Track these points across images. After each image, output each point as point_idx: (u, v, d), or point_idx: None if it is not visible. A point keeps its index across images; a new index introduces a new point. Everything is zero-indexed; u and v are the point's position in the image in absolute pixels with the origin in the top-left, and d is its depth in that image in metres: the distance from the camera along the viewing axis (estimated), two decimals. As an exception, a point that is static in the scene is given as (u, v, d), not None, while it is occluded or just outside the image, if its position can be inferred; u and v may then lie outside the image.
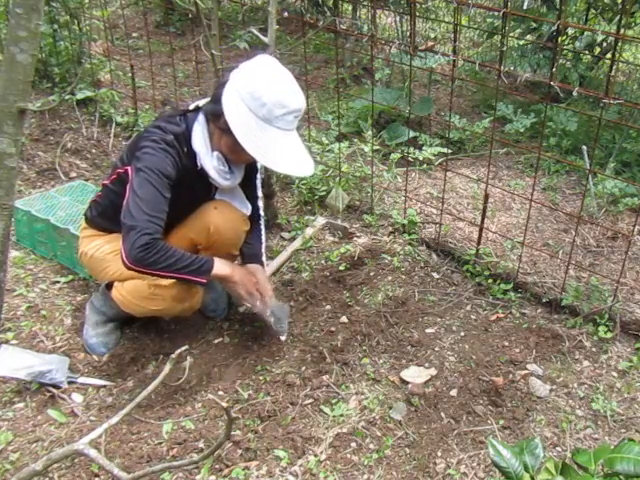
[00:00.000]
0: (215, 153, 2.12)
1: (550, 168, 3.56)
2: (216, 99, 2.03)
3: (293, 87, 2.00)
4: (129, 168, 2.08)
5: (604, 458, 1.22)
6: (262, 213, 2.51)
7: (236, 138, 1.97)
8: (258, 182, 2.46)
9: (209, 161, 2.12)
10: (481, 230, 2.75)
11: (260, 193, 2.49)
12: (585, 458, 1.24)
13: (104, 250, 2.26)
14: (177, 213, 2.20)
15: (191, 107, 2.15)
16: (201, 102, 2.16)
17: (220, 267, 2.11)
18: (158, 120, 2.15)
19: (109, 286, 2.30)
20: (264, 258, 2.46)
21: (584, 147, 3.12)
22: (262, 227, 2.49)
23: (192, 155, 2.11)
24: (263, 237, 2.48)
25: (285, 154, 2.02)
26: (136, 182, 2.00)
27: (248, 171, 2.33)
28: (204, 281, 2.10)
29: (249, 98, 1.95)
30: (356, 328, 2.40)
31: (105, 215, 2.28)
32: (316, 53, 5.29)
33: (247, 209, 2.37)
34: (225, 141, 2.08)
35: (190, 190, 2.19)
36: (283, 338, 2.35)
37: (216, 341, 2.39)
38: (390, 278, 2.69)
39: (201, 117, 2.11)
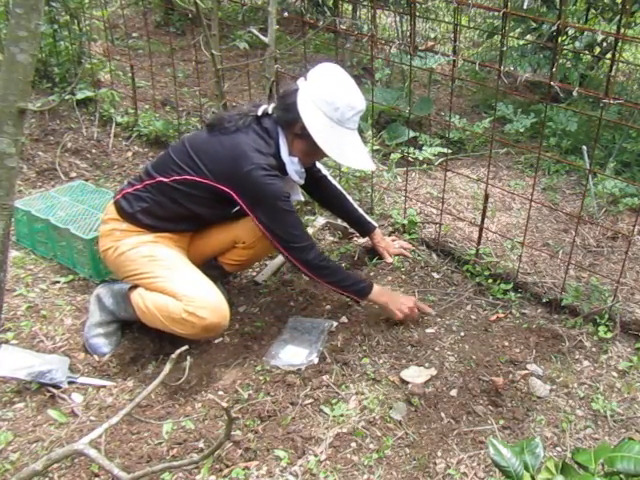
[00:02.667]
0: (295, 159, 2.28)
1: (550, 168, 3.56)
2: (287, 107, 2.19)
3: (357, 90, 2.21)
4: (225, 188, 2.16)
5: (604, 457, 1.21)
6: (327, 173, 2.67)
7: (312, 142, 2.16)
8: None
9: (291, 166, 2.28)
10: (481, 230, 2.75)
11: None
12: (585, 457, 1.24)
13: (140, 252, 2.21)
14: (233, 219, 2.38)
15: (259, 113, 2.25)
16: (268, 108, 2.27)
17: (377, 295, 2.36)
18: (244, 137, 2.18)
19: (130, 288, 2.27)
20: (368, 217, 2.76)
21: (584, 147, 3.12)
22: (336, 183, 2.70)
23: (282, 165, 2.25)
24: (348, 196, 2.72)
25: (354, 151, 2.24)
26: (277, 212, 2.17)
27: None
28: (360, 301, 2.42)
29: (324, 104, 2.14)
30: (356, 328, 2.40)
31: (151, 212, 2.25)
32: (316, 53, 5.29)
33: (299, 195, 2.51)
34: (300, 146, 2.25)
35: None
36: (314, 360, 2.26)
37: (216, 341, 2.39)
38: (390, 278, 2.69)
39: (279, 128, 2.24)
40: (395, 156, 3.29)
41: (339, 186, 2.71)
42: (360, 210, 2.75)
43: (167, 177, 2.22)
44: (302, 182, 2.38)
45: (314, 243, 2.28)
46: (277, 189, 2.16)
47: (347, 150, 2.22)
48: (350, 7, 5.24)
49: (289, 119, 2.19)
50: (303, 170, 2.34)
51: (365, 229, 2.78)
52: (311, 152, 2.25)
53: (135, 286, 2.25)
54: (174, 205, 2.24)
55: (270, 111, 2.27)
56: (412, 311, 2.38)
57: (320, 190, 2.68)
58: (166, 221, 2.28)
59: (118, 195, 2.32)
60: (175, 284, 2.14)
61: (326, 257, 2.33)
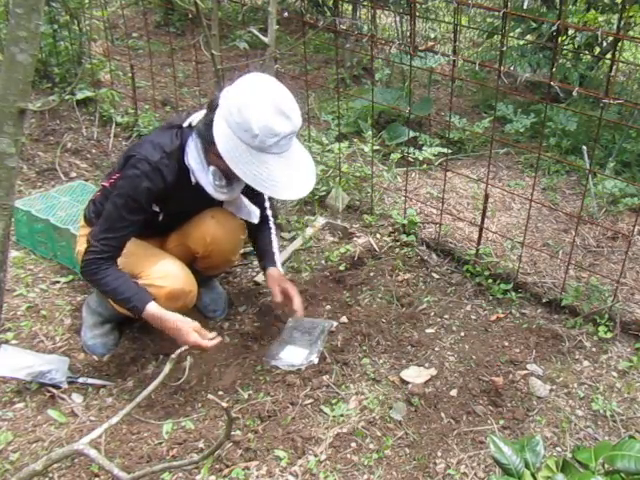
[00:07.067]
0: (211, 168, 2.08)
1: (550, 168, 3.56)
2: (207, 124, 1.98)
3: (284, 108, 1.88)
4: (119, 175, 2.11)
5: (605, 455, 1.21)
6: (269, 214, 2.45)
7: None
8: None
9: (204, 177, 2.10)
10: (481, 230, 2.75)
11: (267, 202, 2.44)
12: (586, 455, 1.24)
13: None
14: (179, 223, 2.31)
15: (185, 124, 2.10)
16: (195, 119, 2.11)
17: (150, 315, 2.04)
18: (155, 133, 2.17)
19: None
20: (276, 253, 2.42)
21: (584, 147, 3.12)
22: (271, 225, 2.44)
23: (186, 170, 2.08)
24: (273, 235, 2.44)
25: (284, 177, 1.96)
26: (110, 201, 2.06)
27: None
28: (134, 317, 2.11)
29: (239, 130, 1.89)
30: (356, 328, 2.40)
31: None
32: (316, 53, 5.29)
33: (256, 216, 2.32)
34: (224, 164, 1.99)
35: (190, 202, 2.21)
36: (314, 360, 2.25)
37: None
38: (390, 278, 2.69)
39: (195, 134, 2.07)
40: (395, 156, 3.29)
41: (272, 224, 2.46)
42: (275, 247, 2.44)
43: (107, 180, 2.23)
44: (224, 197, 2.18)
45: (101, 254, 2.03)
46: (132, 186, 2.01)
47: (274, 178, 1.94)
48: (350, 7, 5.23)
49: (209, 138, 1.98)
50: (223, 184, 2.13)
51: (265, 263, 2.42)
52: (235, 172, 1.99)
53: None
54: None
55: (195, 123, 2.10)
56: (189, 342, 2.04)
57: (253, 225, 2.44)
58: None
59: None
60: (133, 265, 2.14)
61: (107, 273, 2.03)
